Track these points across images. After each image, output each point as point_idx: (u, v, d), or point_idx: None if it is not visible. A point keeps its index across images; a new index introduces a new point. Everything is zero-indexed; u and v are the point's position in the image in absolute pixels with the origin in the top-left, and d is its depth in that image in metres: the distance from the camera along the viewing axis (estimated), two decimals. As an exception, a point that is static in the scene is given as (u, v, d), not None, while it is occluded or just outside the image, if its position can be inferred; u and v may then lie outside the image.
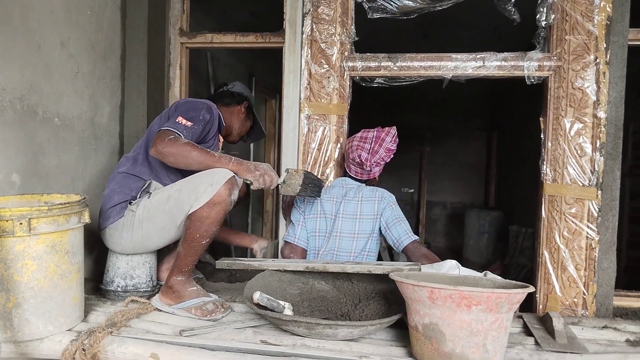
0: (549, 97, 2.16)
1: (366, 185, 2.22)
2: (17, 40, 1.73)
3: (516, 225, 5.22)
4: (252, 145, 4.53)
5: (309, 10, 2.32)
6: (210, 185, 1.63)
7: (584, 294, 2.08)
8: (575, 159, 2.10)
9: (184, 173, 1.81)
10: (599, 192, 2.08)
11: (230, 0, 3.61)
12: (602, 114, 2.08)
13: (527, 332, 1.70)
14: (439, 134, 7.31)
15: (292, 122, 2.38)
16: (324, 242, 2.13)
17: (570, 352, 1.49)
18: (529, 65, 2.17)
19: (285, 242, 2.20)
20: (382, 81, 2.33)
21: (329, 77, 2.32)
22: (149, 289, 1.94)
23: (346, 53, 2.32)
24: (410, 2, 2.19)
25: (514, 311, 1.35)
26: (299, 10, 2.35)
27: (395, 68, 2.29)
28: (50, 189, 1.91)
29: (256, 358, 1.38)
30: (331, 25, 2.31)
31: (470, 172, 7.39)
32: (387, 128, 2.14)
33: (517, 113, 5.78)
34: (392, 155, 2.15)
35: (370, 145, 2.11)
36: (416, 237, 2.08)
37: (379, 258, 2.40)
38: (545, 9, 2.14)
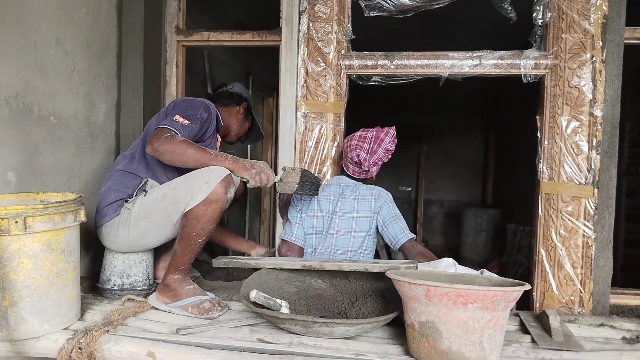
0: (545, 95, 2.16)
1: (363, 183, 2.22)
2: (12, 38, 1.72)
3: (514, 224, 5.23)
4: (249, 143, 4.52)
5: (306, 8, 2.32)
6: (206, 183, 1.63)
7: (580, 291, 2.09)
8: (571, 157, 2.11)
9: (181, 171, 1.80)
10: (596, 190, 2.08)
11: (227, -2, 3.60)
12: (598, 112, 2.09)
13: (524, 329, 1.70)
14: (437, 132, 7.31)
15: (288, 120, 2.37)
16: (321, 240, 2.13)
17: (567, 350, 1.50)
18: (525, 64, 2.18)
19: (282, 240, 2.20)
20: (379, 79, 2.32)
21: (325, 76, 2.32)
22: (146, 287, 1.94)
23: (343, 51, 2.32)
24: (406, 0, 2.19)
25: (510, 309, 1.35)
26: (295, 8, 2.34)
27: (392, 66, 2.29)
28: (47, 187, 1.90)
29: (253, 356, 1.38)
30: (328, 23, 2.31)
31: (468, 170, 7.40)
32: (386, 128, 2.14)
33: (515, 111, 5.78)
34: (390, 156, 2.15)
35: (369, 145, 2.11)
36: (413, 235, 2.09)
37: (377, 256, 2.41)
38: (541, 7, 2.14)
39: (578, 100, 2.10)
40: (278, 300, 1.62)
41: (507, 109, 6.34)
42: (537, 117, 2.19)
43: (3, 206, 1.40)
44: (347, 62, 2.31)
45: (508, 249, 5.23)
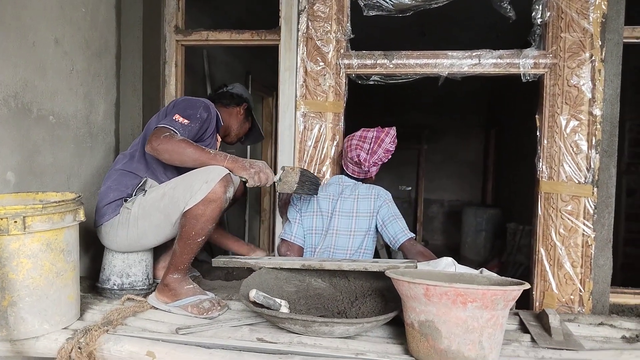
0: (544, 94, 2.16)
1: (363, 183, 2.22)
2: (11, 38, 1.72)
3: (514, 223, 5.23)
4: (248, 142, 4.51)
5: (305, 7, 2.32)
6: (205, 183, 1.63)
7: (580, 291, 2.09)
8: (571, 156, 2.11)
9: (180, 171, 1.80)
10: (595, 189, 2.08)
11: (226, -3, 3.60)
12: (597, 112, 2.08)
13: (524, 329, 1.70)
14: (437, 131, 7.31)
15: (288, 119, 2.37)
16: (321, 239, 2.13)
17: (567, 349, 1.50)
18: (524, 63, 2.18)
19: (282, 239, 2.20)
20: (378, 79, 2.32)
21: (324, 75, 2.32)
22: (145, 287, 1.94)
23: (342, 50, 2.32)
24: (406, -1, 2.19)
25: (509, 308, 1.35)
26: (294, 8, 2.34)
27: (391, 66, 2.29)
28: (46, 187, 1.90)
29: (252, 356, 1.38)
30: (327, 22, 2.31)
31: (468, 169, 7.40)
32: (386, 128, 2.14)
33: (516, 110, 5.78)
34: (390, 156, 2.15)
35: (370, 145, 2.11)
36: (412, 235, 2.09)
37: (377, 255, 2.41)
38: (540, 6, 2.14)
39: (577, 100, 2.10)
40: (278, 300, 1.62)
41: (507, 108, 6.33)
42: (537, 116, 2.19)
43: (2, 206, 1.40)
44: (346, 61, 2.31)
45: (508, 248, 5.23)
